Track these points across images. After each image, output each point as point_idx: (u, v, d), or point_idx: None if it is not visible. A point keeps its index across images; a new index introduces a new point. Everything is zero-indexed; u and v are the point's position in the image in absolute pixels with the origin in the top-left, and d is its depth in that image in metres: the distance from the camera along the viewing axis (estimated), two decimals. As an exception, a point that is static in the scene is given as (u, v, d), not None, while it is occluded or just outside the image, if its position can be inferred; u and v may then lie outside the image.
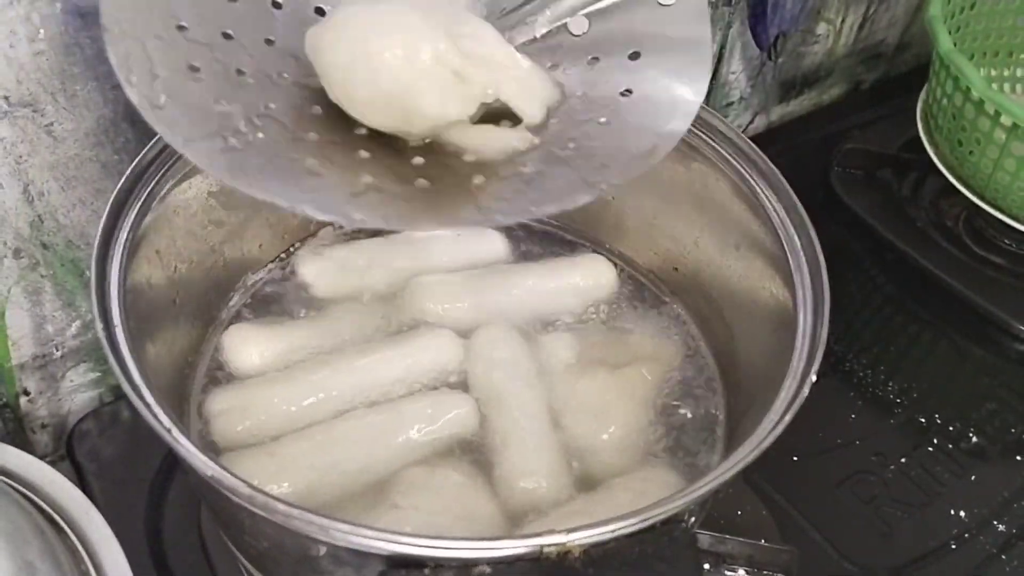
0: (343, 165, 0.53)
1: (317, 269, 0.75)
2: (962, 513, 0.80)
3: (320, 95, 0.55)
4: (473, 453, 0.66)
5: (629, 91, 0.58)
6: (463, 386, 0.69)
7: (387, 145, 0.56)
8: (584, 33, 0.60)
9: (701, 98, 0.57)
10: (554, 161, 0.55)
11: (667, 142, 0.56)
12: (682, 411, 0.70)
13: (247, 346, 0.70)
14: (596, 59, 0.59)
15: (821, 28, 1.12)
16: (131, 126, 0.69)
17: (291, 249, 0.78)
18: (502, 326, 0.72)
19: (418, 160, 0.55)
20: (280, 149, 0.52)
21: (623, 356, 0.72)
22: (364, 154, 0.54)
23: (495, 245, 0.80)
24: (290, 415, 0.66)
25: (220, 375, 0.69)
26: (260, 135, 0.52)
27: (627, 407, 0.69)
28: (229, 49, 0.54)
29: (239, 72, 0.54)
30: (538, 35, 0.60)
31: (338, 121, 0.55)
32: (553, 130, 0.57)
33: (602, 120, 0.57)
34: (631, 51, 0.59)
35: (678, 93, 0.57)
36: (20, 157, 0.66)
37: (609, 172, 0.55)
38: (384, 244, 0.78)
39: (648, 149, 0.56)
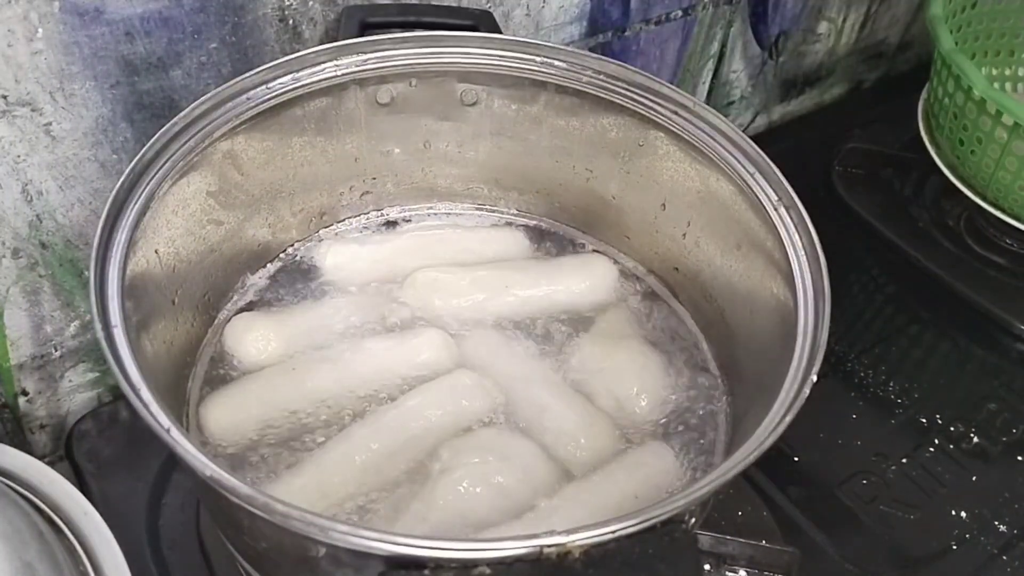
0: None
1: (340, 258, 0.76)
2: (963, 514, 0.80)
3: None
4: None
5: None
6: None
7: None
8: None
9: None
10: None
11: None
12: (683, 412, 0.70)
13: (251, 335, 0.70)
14: None
15: (822, 27, 1.12)
16: (129, 125, 0.69)
17: (290, 249, 0.78)
18: (491, 328, 0.73)
19: None
20: None
21: (587, 321, 0.75)
22: None
23: (513, 245, 0.80)
24: (288, 417, 0.66)
25: (219, 375, 0.69)
26: None
27: (622, 345, 0.72)
28: None
29: None
30: None
31: None
32: None
33: None
34: None
35: None
36: (18, 156, 0.66)
37: None
38: (407, 238, 0.79)
39: None
